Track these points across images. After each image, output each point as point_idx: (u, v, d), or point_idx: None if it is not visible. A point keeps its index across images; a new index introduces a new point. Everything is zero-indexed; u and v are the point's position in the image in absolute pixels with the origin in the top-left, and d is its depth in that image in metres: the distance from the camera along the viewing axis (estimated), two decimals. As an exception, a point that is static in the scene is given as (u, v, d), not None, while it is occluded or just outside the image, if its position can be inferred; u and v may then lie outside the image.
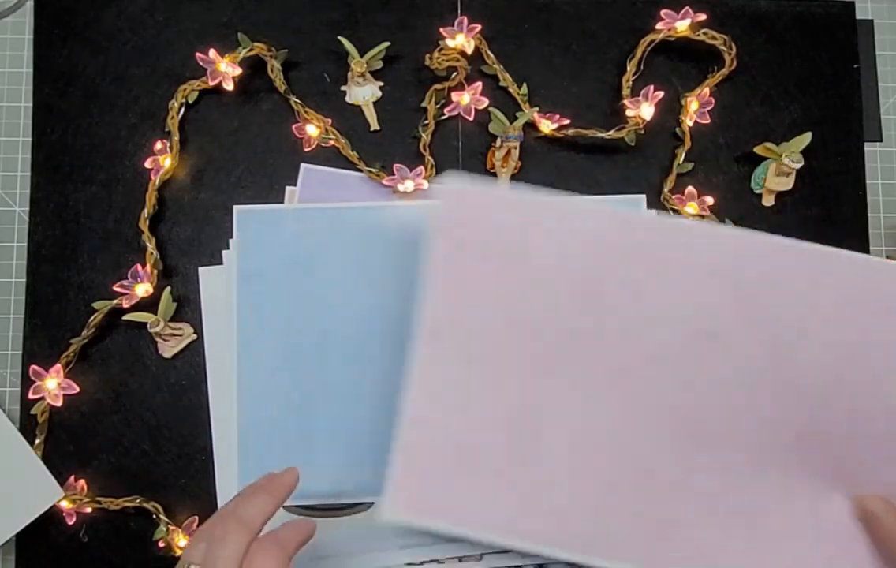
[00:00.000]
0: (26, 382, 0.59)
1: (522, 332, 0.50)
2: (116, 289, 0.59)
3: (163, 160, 0.60)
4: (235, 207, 0.61)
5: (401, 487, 0.50)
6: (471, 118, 0.62)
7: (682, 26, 0.61)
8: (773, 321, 0.48)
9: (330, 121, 0.62)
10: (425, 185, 0.60)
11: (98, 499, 0.59)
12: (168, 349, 0.60)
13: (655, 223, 0.51)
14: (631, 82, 0.62)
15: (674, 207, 0.62)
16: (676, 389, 0.49)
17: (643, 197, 0.62)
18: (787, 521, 0.49)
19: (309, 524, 0.47)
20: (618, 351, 0.49)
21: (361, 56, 0.61)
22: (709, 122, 0.63)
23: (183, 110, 0.61)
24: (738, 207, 0.63)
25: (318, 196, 0.61)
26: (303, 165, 0.62)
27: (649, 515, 0.49)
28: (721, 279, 0.48)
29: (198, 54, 0.60)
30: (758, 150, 0.61)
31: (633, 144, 0.62)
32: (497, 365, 0.50)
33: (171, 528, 0.58)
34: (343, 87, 0.63)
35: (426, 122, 0.61)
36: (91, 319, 0.59)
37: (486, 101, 0.62)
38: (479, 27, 0.61)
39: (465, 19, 0.61)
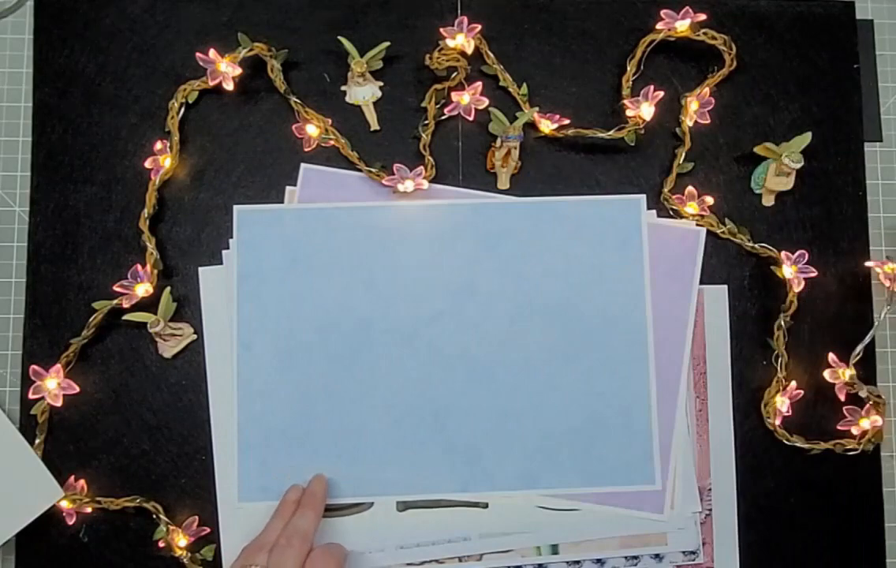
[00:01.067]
0: (26, 382, 0.59)
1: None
2: (116, 289, 0.59)
3: (163, 160, 0.60)
4: (235, 207, 0.61)
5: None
6: (471, 118, 0.62)
7: (682, 26, 0.61)
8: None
9: (330, 121, 0.62)
10: (425, 184, 0.60)
11: (98, 499, 0.59)
12: (168, 349, 0.60)
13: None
14: (631, 82, 0.62)
15: (674, 207, 0.62)
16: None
17: (643, 197, 0.62)
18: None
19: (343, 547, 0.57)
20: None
21: (361, 56, 0.61)
22: (709, 122, 0.63)
23: (183, 110, 0.61)
24: (738, 207, 0.63)
25: (318, 196, 0.61)
26: (303, 165, 0.62)
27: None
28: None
29: (198, 54, 0.60)
30: (758, 150, 0.61)
31: (633, 144, 0.62)
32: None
33: (171, 528, 0.58)
34: (343, 87, 0.63)
35: (426, 122, 0.61)
36: (91, 319, 0.59)
37: (486, 101, 0.62)
38: (479, 27, 0.61)
39: (465, 19, 0.61)
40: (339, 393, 0.60)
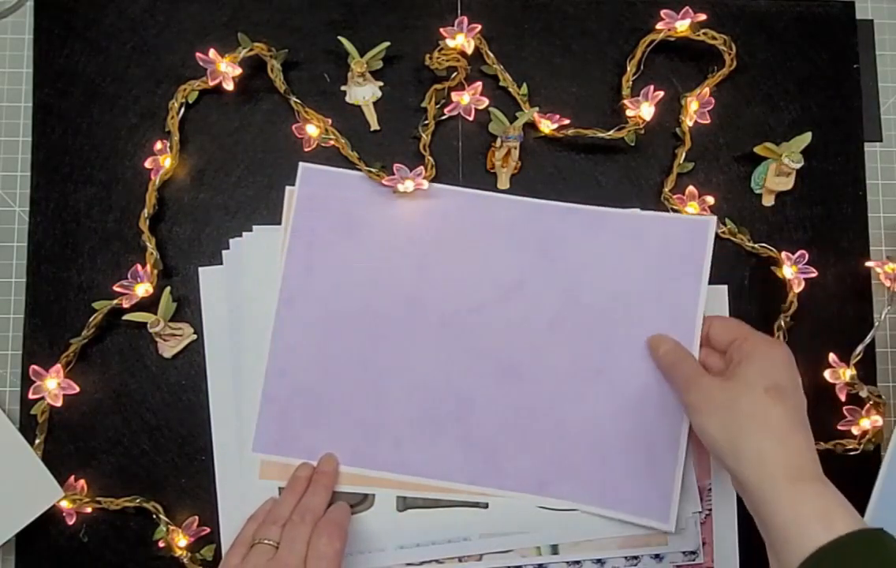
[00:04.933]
0: (26, 382, 0.59)
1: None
2: (116, 289, 0.59)
3: (163, 160, 0.60)
4: (301, 164, 0.61)
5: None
6: (471, 118, 0.62)
7: (682, 26, 0.61)
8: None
9: (330, 121, 0.62)
10: (425, 184, 0.60)
11: (98, 499, 0.59)
12: (168, 349, 0.60)
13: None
14: (631, 82, 0.62)
15: (674, 207, 0.62)
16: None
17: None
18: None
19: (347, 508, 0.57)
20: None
21: (361, 56, 0.61)
22: (709, 122, 0.63)
23: (183, 110, 0.61)
24: (738, 207, 0.63)
25: (317, 196, 0.61)
26: (301, 165, 0.62)
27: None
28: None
29: (198, 54, 0.60)
30: (758, 150, 0.61)
31: (633, 144, 0.62)
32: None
33: (171, 528, 0.58)
34: (343, 87, 0.63)
35: (426, 122, 0.61)
36: (91, 319, 0.59)
37: (486, 101, 0.62)
38: (479, 27, 0.61)
39: (465, 19, 0.61)
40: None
